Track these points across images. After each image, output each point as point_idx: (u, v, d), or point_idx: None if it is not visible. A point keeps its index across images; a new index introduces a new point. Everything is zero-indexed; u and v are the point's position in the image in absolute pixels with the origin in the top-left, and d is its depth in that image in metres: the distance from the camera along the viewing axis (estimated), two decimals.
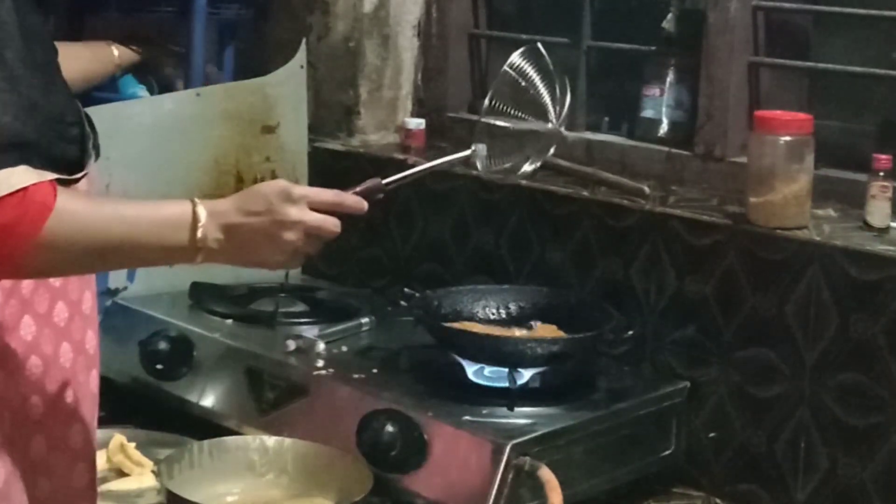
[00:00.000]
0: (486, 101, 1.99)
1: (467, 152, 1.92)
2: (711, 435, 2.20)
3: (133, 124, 2.49)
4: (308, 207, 1.57)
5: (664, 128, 2.55)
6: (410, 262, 2.64)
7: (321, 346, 2.27)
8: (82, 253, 1.46)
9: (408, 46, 2.90)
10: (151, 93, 2.57)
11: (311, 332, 2.33)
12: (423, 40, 2.90)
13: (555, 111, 1.96)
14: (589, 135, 2.65)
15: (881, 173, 2.11)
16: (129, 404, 2.32)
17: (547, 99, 1.97)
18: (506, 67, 1.99)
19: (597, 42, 2.69)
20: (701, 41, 2.44)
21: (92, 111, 1.62)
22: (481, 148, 1.94)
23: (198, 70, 2.71)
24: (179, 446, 2.08)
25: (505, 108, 1.99)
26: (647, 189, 2.34)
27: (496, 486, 1.91)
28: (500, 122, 1.99)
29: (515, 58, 1.98)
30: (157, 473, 2.06)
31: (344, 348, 2.31)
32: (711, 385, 2.19)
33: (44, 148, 1.43)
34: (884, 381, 1.99)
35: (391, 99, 2.90)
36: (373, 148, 2.82)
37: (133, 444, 2.19)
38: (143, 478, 2.15)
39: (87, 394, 1.66)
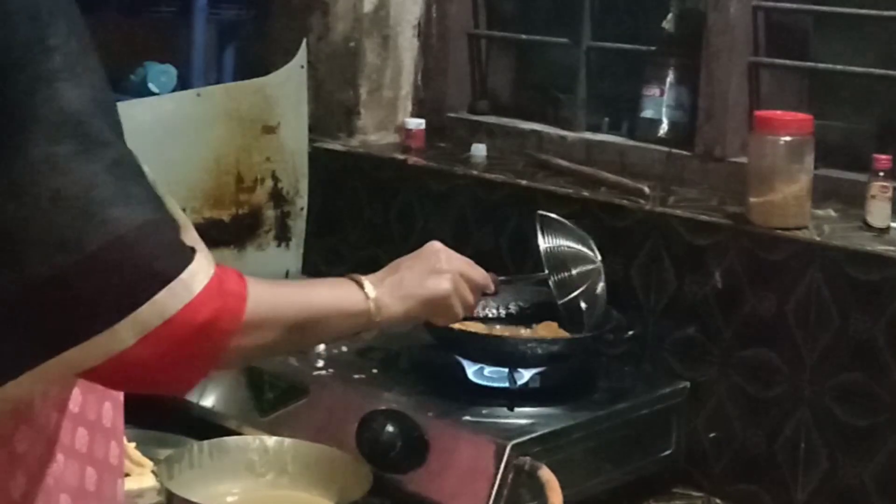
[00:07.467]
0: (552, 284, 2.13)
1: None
2: (711, 435, 2.20)
3: (133, 124, 2.46)
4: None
5: (664, 128, 2.55)
6: None
7: (321, 345, 2.27)
8: (280, 334, 1.40)
9: (408, 46, 2.90)
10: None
11: None
12: (423, 40, 2.90)
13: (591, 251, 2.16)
14: (589, 135, 2.65)
15: (881, 173, 2.11)
16: (129, 404, 2.31)
17: (581, 246, 2.15)
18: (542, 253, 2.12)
19: (597, 42, 2.69)
20: (701, 41, 2.44)
21: None
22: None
23: (198, 70, 2.71)
24: (179, 446, 2.08)
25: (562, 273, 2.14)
26: (647, 189, 2.34)
27: (496, 487, 1.91)
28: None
29: (540, 241, 2.12)
30: (157, 473, 2.05)
31: (344, 348, 2.30)
32: (711, 385, 2.19)
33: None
34: (884, 381, 1.99)
35: (391, 99, 2.90)
36: (373, 148, 2.82)
37: (133, 444, 2.19)
38: (143, 478, 2.14)
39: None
